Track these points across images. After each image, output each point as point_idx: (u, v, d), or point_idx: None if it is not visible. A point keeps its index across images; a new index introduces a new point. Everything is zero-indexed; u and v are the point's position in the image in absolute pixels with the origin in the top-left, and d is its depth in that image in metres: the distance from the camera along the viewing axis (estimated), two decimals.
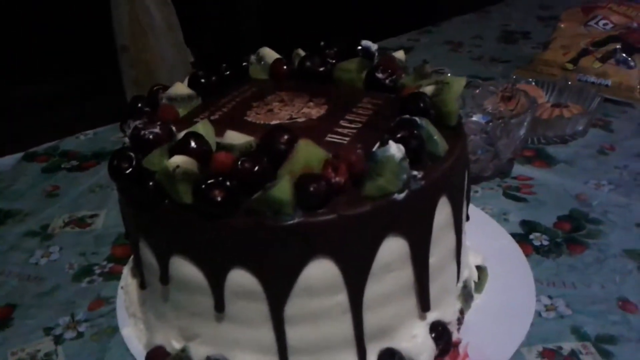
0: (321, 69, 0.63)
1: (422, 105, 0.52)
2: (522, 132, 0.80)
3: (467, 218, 0.59)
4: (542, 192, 0.81)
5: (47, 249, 0.75)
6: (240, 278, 0.47)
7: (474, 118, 0.87)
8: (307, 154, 0.47)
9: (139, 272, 0.56)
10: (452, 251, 0.54)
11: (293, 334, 0.49)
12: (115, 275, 0.69)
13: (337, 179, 0.45)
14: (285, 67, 0.64)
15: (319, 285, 0.47)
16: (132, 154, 0.51)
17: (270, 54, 0.66)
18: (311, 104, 0.58)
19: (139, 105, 0.60)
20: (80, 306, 0.65)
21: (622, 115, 1.02)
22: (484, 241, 0.66)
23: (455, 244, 0.54)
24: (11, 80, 2.14)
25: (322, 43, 0.67)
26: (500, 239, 0.70)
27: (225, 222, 0.45)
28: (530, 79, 1.04)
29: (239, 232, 0.45)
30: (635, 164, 0.86)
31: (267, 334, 0.49)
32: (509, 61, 1.32)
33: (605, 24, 1.19)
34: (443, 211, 0.51)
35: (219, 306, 0.49)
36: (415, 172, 0.47)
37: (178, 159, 0.46)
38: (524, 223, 0.74)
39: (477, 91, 0.93)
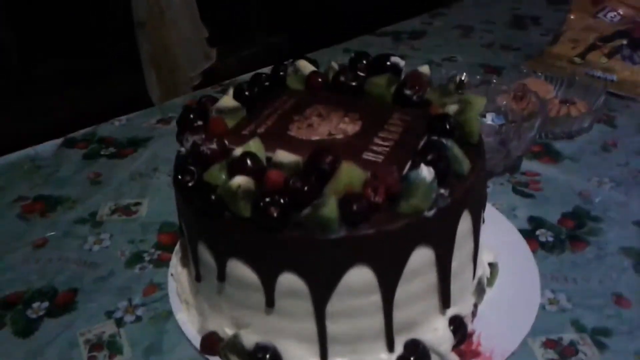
0: (354, 83, 0.69)
1: (447, 126, 0.59)
2: (533, 133, 0.86)
3: (483, 221, 0.67)
4: (549, 189, 0.88)
5: (98, 236, 0.83)
6: (289, 280, 0.55)
7: (487, 116, 0.94)
8: (349, 174, 0.54)
9: (195, 267, 0.64)
10: (470, 255, 0.62)
11: (332, 327, 0.57)
12: (164, 263, 0.77)
13: (377, 199, 0.52)
14: (320, 79, 0.71)
15: (357, 287, 0.55)
16: (193, 168, 0.58)
17: (305, 66, 0.73)
18: (347, 119, 0.64)
19: (191, 116, 0.66)
20: (136, 291, 0.73)
21: (626, 111, 1.08)
22: (495, 237, 0.73)
23: (473, 249, 0.62)
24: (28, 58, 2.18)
25: (352, 56, 0.74)
26: (510, 235, 0.78)
27: (279, 234, 0.53)
28: (540, 73, 1.10)
29: (291, 242, 0.53)
30: (635, 161, 0.93)
31: (310, 326, 0.57)
32: (519, 49, 1.37)
33: (613, 17, 1.25)
34: (465, 222, 0.58)
35: (270, 302, 0.57)
36: (442, 191, 0.55)
37: (240, 180, 0.53)
38: (531, 219, 0.81)
39: (492, 84, 1.00)
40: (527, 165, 0.93)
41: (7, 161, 1.02)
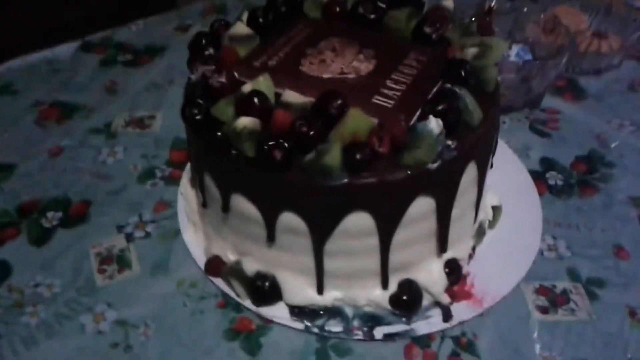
0: (372, 16, 0.66)
1: (463, 74, 0.58)
2: (558, 70, 0.83)
3: (491, 166, 0.66)
4: (567, 128, 0.86)
5: (112, 148, 0.85)
6: (290, 220, 0.56)
7: (513, 49, 0.91)
8: (356, 121, 0.53)
9: (201, 194, 0.65)
10: (472, 202, 0.62)
11: (330, 263, 0.59)
12: (174, 180, 0.79)
13: (381, 149, 0.52)
14: (337, 9, 0.68)
15: (355, 231, 0.56)
16: (201, 101, 0.58)
17: None
18: (361, 56, 0.63)
19: (203, 41, 0.65)
20: (146, 207, 0.76)
21: None
22: (503, 177, 0.73)
23: (476, 196, 0.62)
24: None
25: None
26: (518, 176, 0.77)
27: (282, 175, 0.53)
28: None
29: (292, 185, 0.54)
30: None
31: (308, 261, 0.59)
32: None
33: None
34: (470, 173, 0.58)
35: (271, 237, 0.58)
36: (449, 142, 0.54)
37: (245, 121, 0.53)
38: (543, 160, 0.81)
39: (523, 13, 0.95)
40: (548, 101, 0.91)
41: (25, 63, 1.02)
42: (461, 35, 0.64)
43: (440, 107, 0.54)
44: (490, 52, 0.60)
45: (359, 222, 0.55)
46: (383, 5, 0.68)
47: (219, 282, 0.65)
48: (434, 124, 0.52)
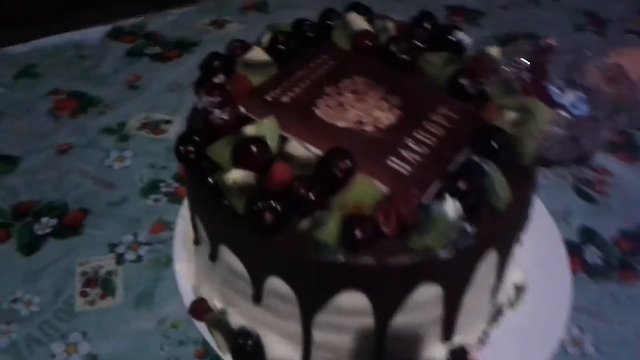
0: (405, 57, 0.59)
1: (494, 145, 0.50)
2: (614, 131, 0.74)
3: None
4: (616, 194, 0.77)
5: (121, 152, 0.80)
6: (278, 285, 0.50)
7: (567, 94, 0.81)
8: (363, 190, 0.47)
9: (193, 229, 0.60)
10: (489, 289, 0.55)
11: (319, 335, 0.53)
12: (178, 199, 0.74)
13: (386, 228, 0.45)
14: (368, 42, 0.61)
15: (348, 309, 0.49)
16: (197, 138, 0.52)
17: (356, 21, 0.62)
18: (384, 103, 0.55)
19: (215, 63, 0.59)
20: (144, 225, 0.71)
21: None
22: (534, 246, 0.65)
23: (493, 283, 0.54)
24: None
25: (414, 17, 0.62)
26: (552, 246, 0.69)
27: (271, 239, 0.47)
28: None
29: (282, 251, 0.47)
30: None
31: (296, 328, 0.53)
32: None
33: None
34: (489, 260, 0.50)
35: (257, 298, 0.53)
36: (467, 227, 0.47)
37: (235, 175, 0.47)
38: (583, 230, 0.72)
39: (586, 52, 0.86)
40: (599, 158, 0.81)
41: (51, 44, 0.98)
42: (502, 92, 0.56)
43: (460, 185, 0.46)
44: (532, 120, 0.52)
45: (353, 301, 0.49)
46: (421, 45, 0.60)
47: (202, 327, 0.60)
48: (451, 207, 0.45)
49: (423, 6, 0.65)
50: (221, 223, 0.51)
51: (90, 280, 0.65)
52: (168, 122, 0.85)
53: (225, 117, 0.52)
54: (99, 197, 0.74)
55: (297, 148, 0.50)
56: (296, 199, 0.46)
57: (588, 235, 0.71)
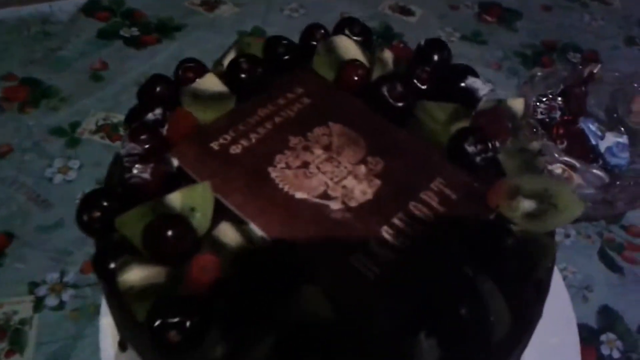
0: (400, 104, 0.45)
1: (498, 255, 0.37)
2: None
3: None
4: None
5: (67, 161, 0.68)
6: None
7: (607, 138, 0.67)
8: None
9: None
10: None
11: None
12: None
13: None
14: (356, 77, 0.47)
15: None
16: (106, 203, 0.39)
17: (346, 47, 0.48)
18: (362, 168, 0.42)
19: (157, 89, 0.46)
20: (74, 262, 0.60)
21: None
22: (541, 330, 0.52)
23: None
24: None
25: (421, 44, 0.48)
26: (562, 331, 0.56)
27: None
28: None
29: None
30: None
31: None
32: None
33: None
34: None
35: None
36: None
37: (134, 276, 0.34)
38: (603, 312, 0.59)
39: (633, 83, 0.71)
40: (632, 216, 0.67)
41: (16, 16, 0.85)
42: (520, 166, 0.43)
43: (443, 319, 0.33)
44: (554, 214, 0.39)
45: None
46: (421, 87, 0.46)
47: None
48: (426, 348, 0.32)
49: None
50: (122, 321, 0.39)
51: None
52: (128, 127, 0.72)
53: (146, 175, 0.39)
54: (30, 219, 0.62)
55: (228, 234, 0.37)
56: (217, 308, 0.34)
57: (608, 318, 0.58)
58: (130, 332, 0.38)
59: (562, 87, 0.67)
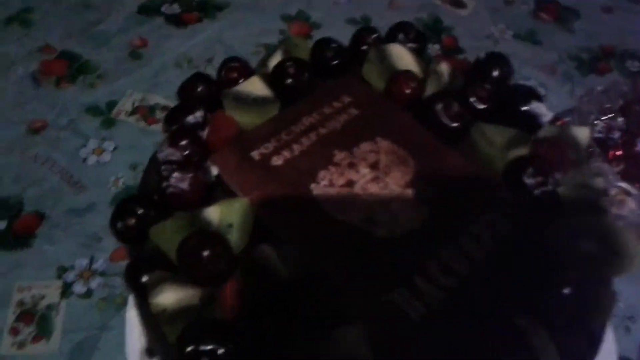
0: (454, 124, 0.42)
1: (555, 305, 0.34)
2: None
3: None
4: None
5: (102, 142, 0.67)
6: None
7: None
8: None
9: None
10: None
11: None
12: None
13: None
14: (408, 90, 0.44)
15: None
16: (141, 210, 0.38)
17: (399, 57, 0.46)
18: (410, 192, 0.40)
19: (198, 89, 0.44)
20: (104, 248, 0.59)
21: None
22: None
23: None
24: None
25: (479, 59, 0.45)
26: None
27: None
28: None
29: None
30: None
31: None
32: None
33: None
34: None
35: None
36: None
37: (168, 299, 0.33)
38: None
39: None
40: None
41: None
42: (582, 202, 0.40)
43: None
44: (619, 262, 0.36)
45: None
46: (479, 107, 0.43)
47: None
48: None
49: None
50: (151, 336, 0.37)
51: (26, 313, 0.54)
52: (165, 108, 0.70)
53: (184, 186, 0.38)
54: (62, 200, 0.62)
55: (268, 252, 0.35)
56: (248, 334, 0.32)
57: None
58: (159, 347, 0.37)
59: (621, 102, 0.62)
